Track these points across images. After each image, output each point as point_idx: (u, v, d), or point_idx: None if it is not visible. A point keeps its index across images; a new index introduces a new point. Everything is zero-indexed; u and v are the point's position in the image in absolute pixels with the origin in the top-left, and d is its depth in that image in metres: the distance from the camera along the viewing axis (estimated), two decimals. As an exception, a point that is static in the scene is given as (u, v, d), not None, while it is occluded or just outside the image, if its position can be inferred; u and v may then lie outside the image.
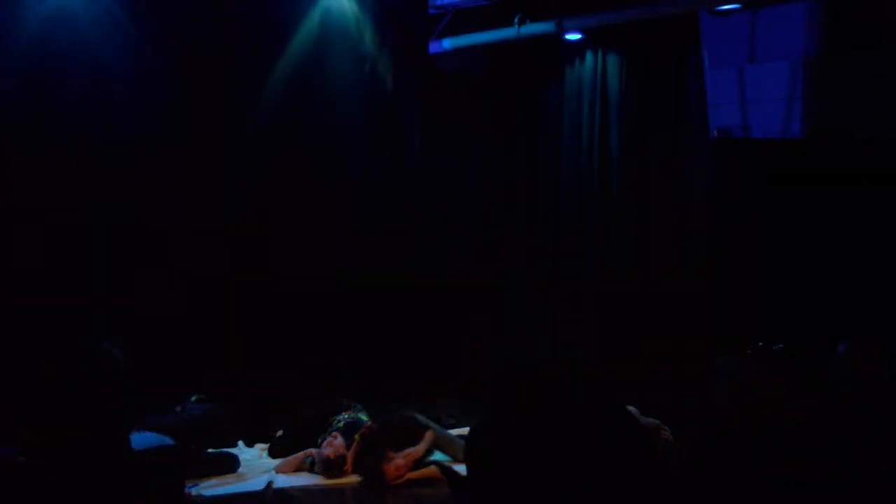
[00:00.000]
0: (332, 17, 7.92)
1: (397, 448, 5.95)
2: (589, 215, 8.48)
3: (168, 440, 5.30)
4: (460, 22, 8.49)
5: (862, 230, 7.09)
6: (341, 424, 6.23)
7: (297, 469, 6.06)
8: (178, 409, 6.16)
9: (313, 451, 6.07)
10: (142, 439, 5.14)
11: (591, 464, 3.88)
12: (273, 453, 6.37)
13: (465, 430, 6.35)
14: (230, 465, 6.04)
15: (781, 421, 4.11)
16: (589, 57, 8.53)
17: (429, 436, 6.14)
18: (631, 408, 6.84)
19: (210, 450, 6.05)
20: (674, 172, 8.15)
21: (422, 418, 6.30)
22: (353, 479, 5.92)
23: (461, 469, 4.38)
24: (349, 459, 5.96)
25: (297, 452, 6.15)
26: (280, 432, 6.47)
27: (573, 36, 8.31)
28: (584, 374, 7.98)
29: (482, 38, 8.46)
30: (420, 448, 6.03)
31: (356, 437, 6.02)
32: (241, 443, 6.54)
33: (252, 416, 6.74)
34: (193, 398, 6.35)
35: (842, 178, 7.26)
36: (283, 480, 5.86)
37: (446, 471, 4.69)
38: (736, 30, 7.81)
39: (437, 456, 6.17)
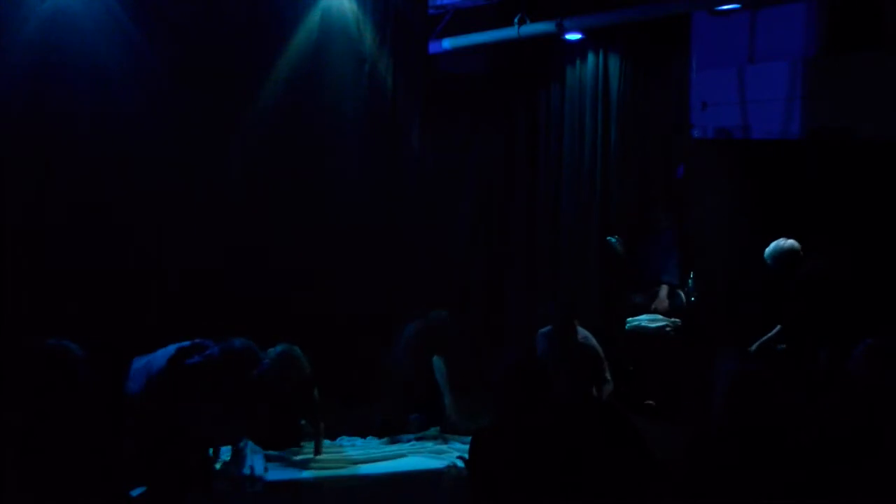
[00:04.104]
0: (332, 17, 7.91)
1: None
2: (589, 215, 8.48)
3: None
4: (460, 22, 8.50)
5: (862, 229, 7.10)
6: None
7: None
8: None
9: None
10: None
11: (591, 464, 3.89)
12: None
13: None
14: None
15: (781, 421, 4.11)
16: (590, 57, 8.54)
17: None
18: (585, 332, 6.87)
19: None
20: (673, 172, 8.17)
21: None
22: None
23: None
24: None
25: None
26: None
27: (573, 36, 8.31)
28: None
29: (482, 38, 8.46)
30: None
31: None
32: None
33: None
34: None
35: (841, 178, 7.28)
36: (274, 474, 5.81)
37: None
38: (736, 30, 7.82)
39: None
